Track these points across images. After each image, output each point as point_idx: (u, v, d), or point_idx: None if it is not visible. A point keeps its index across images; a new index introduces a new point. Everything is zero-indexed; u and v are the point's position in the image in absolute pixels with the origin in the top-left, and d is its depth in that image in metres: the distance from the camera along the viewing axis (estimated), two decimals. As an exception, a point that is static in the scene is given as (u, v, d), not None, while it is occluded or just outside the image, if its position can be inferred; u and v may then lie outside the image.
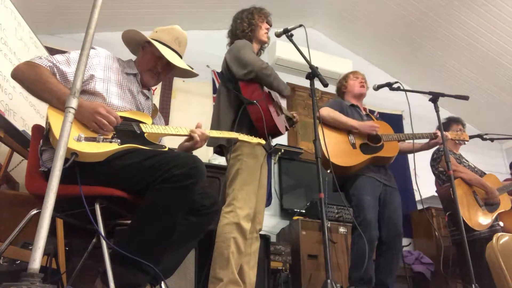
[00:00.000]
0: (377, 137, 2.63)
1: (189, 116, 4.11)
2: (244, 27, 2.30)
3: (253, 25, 2.30)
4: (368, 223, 2.36)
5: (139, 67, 1.78)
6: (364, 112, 2.86)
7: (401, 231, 2.55)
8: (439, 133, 2.69)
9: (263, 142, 1.96)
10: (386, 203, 2.57)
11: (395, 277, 2.50)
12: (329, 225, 3.40)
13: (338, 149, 2.50)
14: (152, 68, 1.77)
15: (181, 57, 1.84)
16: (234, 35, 2.34)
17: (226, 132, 1.89)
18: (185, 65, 1.81)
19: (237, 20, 2.34)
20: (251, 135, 2.00)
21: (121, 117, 1.51)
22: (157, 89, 4.00)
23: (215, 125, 2.20)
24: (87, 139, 1.37)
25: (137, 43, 1.84)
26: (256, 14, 2.33)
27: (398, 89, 2.57)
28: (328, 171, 2.55)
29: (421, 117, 3.60)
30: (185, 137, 1.72)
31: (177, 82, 4.17)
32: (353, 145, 2.59)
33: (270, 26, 2.38)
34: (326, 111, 2.62)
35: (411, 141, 2.73)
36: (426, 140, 2.81)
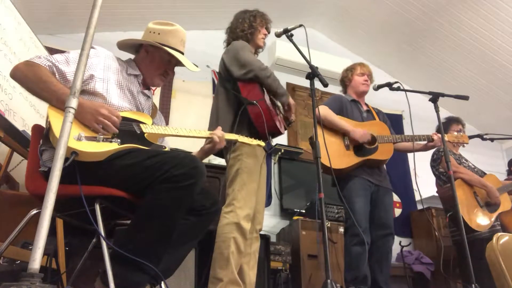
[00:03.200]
0: (372, 138, 2.62)
1: (189, 116, 4.11)
2: (245, 27, 2.31)
3: (253, 27, 2.32)
4: (358, 225, 2.35)
5: (145, 69, 1.77)
6: (365, 108, 2.85)
7: (391, 231, 2.54)
8: (435, 136, 2.68)
9: (263, 144, 1.96)
10: (377, 203, 2.57)
11: (387, 276, 2.50)
12: (329, 225, 3.40)
13: (331, 150, 2.49)
14: (163, 72, 1.79)
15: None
16: (232, 32, 2.35)
17: (226, 134, 1.90)
18: (196, 68, 1.83)
19: (239, 19, 2.36)
20: (251, 135, 2.00)
21: (121, 117, 1.51)
22: (157, 88, 4.00)
23: (214, 126, 2.19)
24: (88, 138, 1.37)
25: (132, 45, 1.83)
26: (259, 18, 2.36)
27: (398, 89, 2.57)
28: (321, 171, 2.55)
29: (421, 117, 3.60)
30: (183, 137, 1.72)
31: (177, 82, 4.17)
32: (347, 146, 2.59)
33: (268, 33, 2.41)
34: (323, 111, 2.60)
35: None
36: (424, 142, 2.79)
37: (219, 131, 1.78)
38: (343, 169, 2.52)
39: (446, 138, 2.80)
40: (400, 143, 2.76)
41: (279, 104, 2.39)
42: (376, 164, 2.63)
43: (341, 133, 2.63)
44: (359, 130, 2.58)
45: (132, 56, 1.86)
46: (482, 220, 2.96)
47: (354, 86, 2.86)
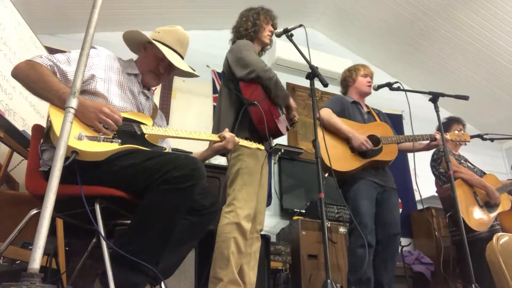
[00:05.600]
0: (376, 139, 2.62)
1: (189, 116, 4.11)
2: (248, 26, 2.31)
3: (257, 25, 2.31)
4: (363, 228, 2.34)
5: (141, 67, 1.78)
6: (365, 109, 2.84)
7: (397, 231, 2.53)
8: (438, 135, 2.68)
9: (262, 147, 1.96)
10: (383, 203, 2.56)
11: (392, 277, 2.49)
12: (329, 225, 3.40)
13: (336, 153, 2.48)
14: (154, 69, 1.77)
15: (182, 58, 1.84)
16: (237, 31, 2.35)
17: None
18: (187, 67, 1.80)
19: (243, 18, 2.35)
20: (252, 136, 2.00)
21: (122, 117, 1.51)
22: (157, 88, 4.00)
23: (216, 126, 2.20)
24: (88, 138, 1.38)
25: (138, 43, 1.83)
26: (262, 15, 2.34)
27: (398, 89, 2.56)
28: (326, 174, 2.54)
29: (421, 117, 3.60)
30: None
31: (177, 82, 4.17)
32: (352, 148, 2.58)
33: (275, 29, 2.35)
34: (326, 114, 2.59)
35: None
36: (427, 141, 2.79)
37: (228, 133, 1.80)
38: (348, 171, 2.51)
39: (448, 137, 2.80)
40: (403, 143, 2.75)
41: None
42: (381, 165, 2.62)
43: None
44: (359, 139, 2.55)
45: (134, 57, 1.86)
46: (481, 220, 2.96)
47: (357, 87, 2.85)
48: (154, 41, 1.74)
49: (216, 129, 2.17)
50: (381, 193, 2.58)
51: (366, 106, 2.90)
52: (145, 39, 1.79)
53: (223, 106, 2.20)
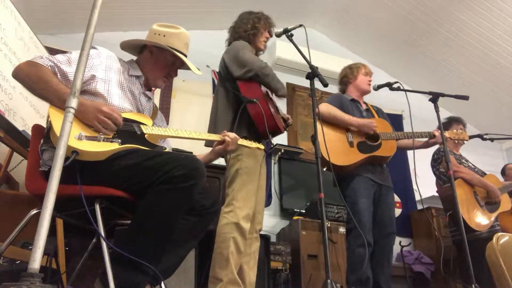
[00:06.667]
0: (375, 135, 2.62)
1: (189, 116, 4.11)
2: (248, 28, 2.32)
3: (256, 29, 2.33)
4: (362, 226, 2.34)
5: (148, 71, 1.77)
6: (364, 107, 2.84)
7: (393, 230, 2.54)
8: (436, 133, 2.68)
9: (262, 147, 1.97)
10: (380, 202, 2.56)
11: (389, 276, 2.49)
12: (329, 225, 3.40)
13: (335, 147, 2.48)
14: (166, 75, 1.80)
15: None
16: (235, 32, 2.36)
17: None
18: (198, 72, 1.83)
19: (243, 19, 2.37)
20: (250, 135, 2.00)
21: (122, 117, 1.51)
22: (157, 88, 4.00)
23: (213, 125, 2.20)
24: (88, 138, 1.38)
25: (134, 45, 1.83)
26: (263, 20, 2.36)
27: (398, 89, 2.57)
28: (325, 169, 2.54)
29: (421, 117, 3.59)
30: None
31: (177, 82, 4.17)
32: (351, 143, 2.58)
33: (271, 36, 2.40)
34: (325, 107, 2.60)
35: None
36: (426, 138, 2.79)
37: (231, 133, 1.81)
38: (347, 166, 2.50)
39: (447, 135, 2.80)
40: (402, 140, 2.75)
41: (277, 104, 2.39)
42: (380, 160, 2.62)
43: (345, 130, 2.63)
44: (365, 120, 2.56)
45: (133, 57, 1.86)
46: (482, 219, 2.96)
47: (358, 85, 2.84)
48: (170, 49, 1.73)
49: (213, 129, 2.17)
50: (378, 191, 2.58)
51: (365, 103, 2.90)
52: (148, 42, 1.78)
53: (220, 105, 2.21)
